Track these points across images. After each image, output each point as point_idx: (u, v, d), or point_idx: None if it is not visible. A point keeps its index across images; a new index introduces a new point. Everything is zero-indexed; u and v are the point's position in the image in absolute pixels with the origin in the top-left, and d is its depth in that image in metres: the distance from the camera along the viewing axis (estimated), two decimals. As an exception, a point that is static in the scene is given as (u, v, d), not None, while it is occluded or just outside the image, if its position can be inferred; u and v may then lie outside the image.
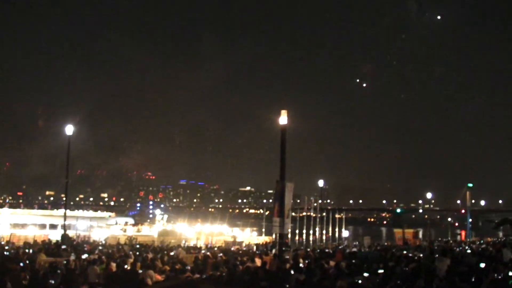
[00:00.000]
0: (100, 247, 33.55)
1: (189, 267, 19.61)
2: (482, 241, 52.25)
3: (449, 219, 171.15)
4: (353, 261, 21.57)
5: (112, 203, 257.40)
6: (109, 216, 76.19)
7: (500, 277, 14.03)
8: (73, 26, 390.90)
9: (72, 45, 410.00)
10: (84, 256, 24.22)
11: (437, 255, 20.28)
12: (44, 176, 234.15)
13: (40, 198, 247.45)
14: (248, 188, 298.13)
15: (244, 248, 40.53)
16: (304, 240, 59.02)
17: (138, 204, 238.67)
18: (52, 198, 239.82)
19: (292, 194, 22.71)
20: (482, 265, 17.33)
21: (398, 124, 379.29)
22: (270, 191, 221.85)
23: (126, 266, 19.18)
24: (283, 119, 22.36)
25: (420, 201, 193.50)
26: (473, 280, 13.62)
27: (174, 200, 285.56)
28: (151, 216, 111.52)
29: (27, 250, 28.58)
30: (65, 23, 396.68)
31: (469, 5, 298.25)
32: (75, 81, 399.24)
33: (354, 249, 36.93)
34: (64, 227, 39.44)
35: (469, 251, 31.32)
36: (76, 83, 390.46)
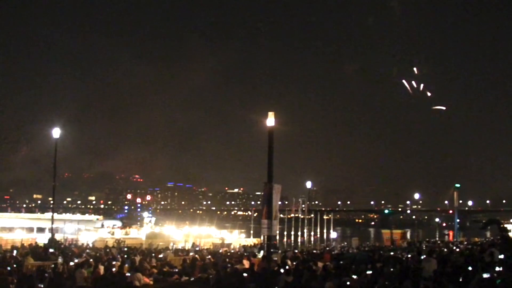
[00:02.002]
0: (87, 250, 33.37)
1: (177, 270, 19.61)
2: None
3: (437, 219, 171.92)
4: (341, 262, 21.64)
5: (101, 206, 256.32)
6: (97, 219, 75.76)
7: (488, 276, 14.08)
8: (57, 28, 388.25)
9: (56, 48, 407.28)
10: (72, 262, 24.07)
11: (424, 256, 20.36)
12: (31, 179, 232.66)
13: (27, 201, 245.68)
14: (236, 190, 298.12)
15: (232, 250, 40.46)
16: (293, 242, 58.96)
17: (126, 207, 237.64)
18: (39, 202, 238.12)
19: (280, 195, 22.68)
20: (469, 265, 17.38)
21: (385, 125, 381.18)
22: (258, 193, 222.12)
23: (113, 269, 19.11)
24: (270, 121, 22.28)
25: (408, 202, 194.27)
26: (460, 280, 13.66)
27: (162, 202, 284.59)
28: (139, 218, 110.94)
29: (14, 254, 28.37)
30: (49, 26, 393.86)
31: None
32: (60, 84, 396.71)
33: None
34: (52, 230, 39.16)
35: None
36: (61, 86, 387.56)
